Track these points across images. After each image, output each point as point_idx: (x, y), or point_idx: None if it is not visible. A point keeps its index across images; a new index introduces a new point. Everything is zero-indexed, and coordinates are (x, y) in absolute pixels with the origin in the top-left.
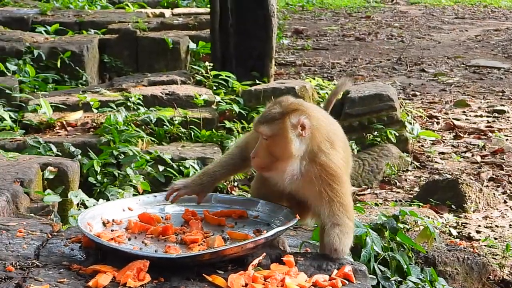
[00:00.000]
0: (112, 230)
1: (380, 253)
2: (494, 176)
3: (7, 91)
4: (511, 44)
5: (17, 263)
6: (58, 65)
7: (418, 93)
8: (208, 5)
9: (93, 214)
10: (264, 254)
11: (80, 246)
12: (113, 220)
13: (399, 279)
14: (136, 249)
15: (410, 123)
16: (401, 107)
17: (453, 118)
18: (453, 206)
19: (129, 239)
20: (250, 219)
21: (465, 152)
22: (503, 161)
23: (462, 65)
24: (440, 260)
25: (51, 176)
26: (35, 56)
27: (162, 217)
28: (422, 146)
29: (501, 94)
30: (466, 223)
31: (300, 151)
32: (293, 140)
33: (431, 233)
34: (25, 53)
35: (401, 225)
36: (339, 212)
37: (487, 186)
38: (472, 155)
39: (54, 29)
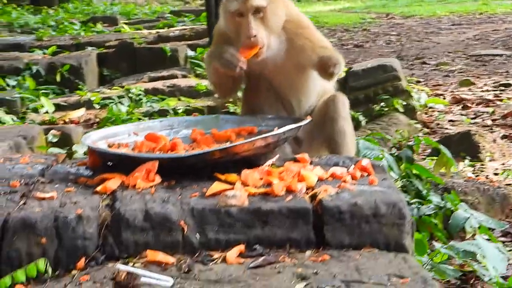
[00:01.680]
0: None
1: (397, 178)
2: (506, 134)
3: (7, 97)
4: (510, 38)
5: (22, 180)
6: (58, 79)
7: (421, 80)
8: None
9: (98, 136)
10: (278, 155)
11: (87, 167)
12: (118, 144)
13: (420, 205)
14: None
15: (416, 93)
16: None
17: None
18: (467, 157)
19: None
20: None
21: (474, 118)
22: None
23: (464, 56)
24: (460, 190)
25: (55, 140)
26: (34, 72)
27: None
28: (431, 116)
29: (505, 73)
30: (483, 169)
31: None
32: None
33: (449, 159)
34: (23, 70)
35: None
36: (325, 52)
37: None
38: (483, 120)
39: (51, 51)
